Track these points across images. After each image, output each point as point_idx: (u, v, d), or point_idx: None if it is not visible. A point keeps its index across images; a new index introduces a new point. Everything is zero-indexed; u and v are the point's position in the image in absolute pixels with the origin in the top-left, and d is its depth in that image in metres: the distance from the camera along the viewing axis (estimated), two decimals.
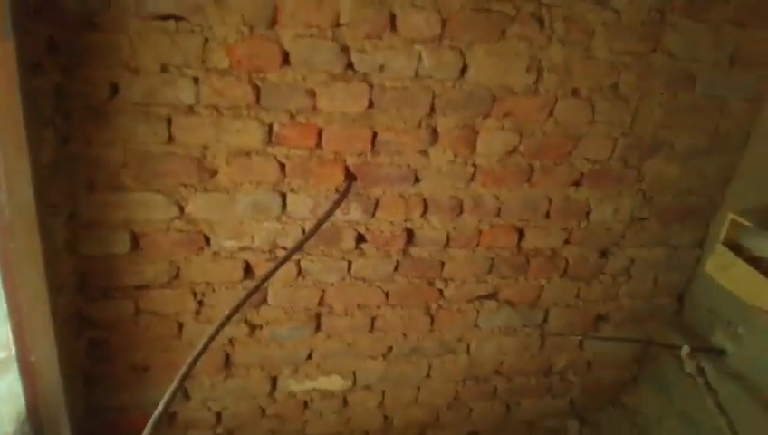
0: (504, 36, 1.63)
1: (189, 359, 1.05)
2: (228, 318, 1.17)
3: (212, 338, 1.09)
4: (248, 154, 1.62)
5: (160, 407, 0.98)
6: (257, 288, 1.29)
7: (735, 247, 1.71)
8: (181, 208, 1.65)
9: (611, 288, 2.19)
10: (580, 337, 2.24)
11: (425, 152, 1.77)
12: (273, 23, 1.47)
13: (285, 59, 1.53)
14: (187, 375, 1.02)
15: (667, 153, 1.94)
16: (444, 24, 1.58)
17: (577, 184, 1.94)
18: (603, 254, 2.11)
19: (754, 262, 1.66)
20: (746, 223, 1.62)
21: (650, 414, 2.29)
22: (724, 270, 1.72)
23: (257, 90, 1.54)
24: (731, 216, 1.68)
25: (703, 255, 2.18)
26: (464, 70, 1.66)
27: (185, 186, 1.62)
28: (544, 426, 2.42)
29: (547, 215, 1.97)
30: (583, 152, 1.87)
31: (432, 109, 1.70)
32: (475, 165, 1.83)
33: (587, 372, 2.36)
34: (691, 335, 2.21)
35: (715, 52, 1.80)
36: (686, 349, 1.55)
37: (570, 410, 2.43)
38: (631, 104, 1.81)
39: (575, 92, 1.76)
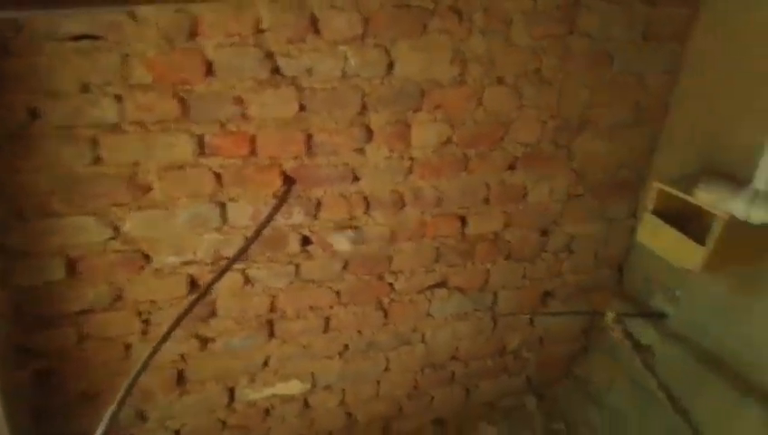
0: (426, 31, 1.66)
1: (126, 382, 1.04)
2: (164, 340, 1.17)
3: (149, 359, 1.08)
4: (181, 167, 1.61)
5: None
6: (194, 305, 1.28)
7: (664, 215, 1.81)
8: (116, 229, 1.63)
9: (555, 265, 2.28)
10: (529, 315, 2.32)
11: (361, 150, 1.79)
12: (193, 34, 1.46)
13: (210, 69, 1.52)
14: (124, 400, 1.01)
15: (593, 131, 2.02)
16: (366, 22, 1.60)
17: (512, 168, 2.00)
18: (544, 233, 2.19)
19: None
20: (671, 191, 1.71)
21: (601, 382, 2.39)
22: (654, 236, 1.81)
23: (184, 102, 1.53)
24: (656, 185, 1.77)
25: (637, 225, 2.29)
26: (390, 66, 1.69)
27: (118, 205, 1.60)
28: (503, 405, 2.50)
29: (486, 200, 2.03)
30: (515, 137, 1.94)
31: (363, 107, 1.72)
32: (411, 158, 1.86)
33: (540, 348, 2.44)
34: (633, 302, 2.32)
35: (628, 30, 1.88)
36: (610, 316, 1.63)
37: (527, 386, 2.51)
38: (555, 87, 1.88)
39: (501, 80, 1.82)
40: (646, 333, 2.16)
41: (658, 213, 1.81)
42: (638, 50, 1.92)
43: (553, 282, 2.32)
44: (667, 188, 1.73)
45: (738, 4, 1.78)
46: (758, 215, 1.40)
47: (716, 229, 1.56)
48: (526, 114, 1.91)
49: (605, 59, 1.90)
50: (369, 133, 1.77)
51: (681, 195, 1.69)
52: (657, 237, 1.78)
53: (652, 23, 1.89)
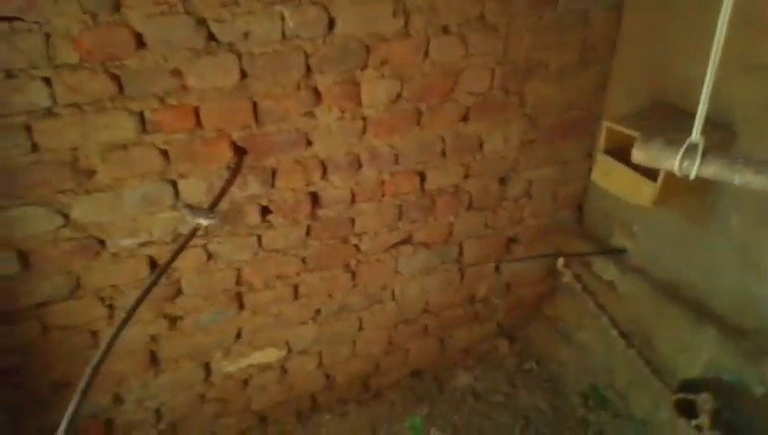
0: None
1: (88, 368, 1.01)
2: (123, 324, 1.12)
3: (109, 346, 1.04)
4: (124, 147, 1.53)
5: (63, 423, 0.94)
6: (150, 288, 1.23)
7: (617, 153, 1.80)
8: (65, 216, 1.55)
9: (516, 212, 2.27)
10: (495, 263, 2.32)
11: (311, 114, 1.73)
12: (117, 6, 1.37)
13: (140, 42, 1.43)
14: (86, 389, 0.97)
15: (542, 74, 1.99)
16: None
17: (465, 119, 1.96)
18: (502, 181, 2.17)
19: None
20: (621, 129, 1.70)
21: (570, 321, 2.44)
22: (607, 175, 1.81)
23: (117, 79, 1.44)
24: (606, 124, 1.75)
25: (592, 164, 2.29)
26: (331, 24, 1.62)
27: (63, 192, 1.52)
28: (477, 351, 2.53)
29: (443, 153, 2.00)
30: (465, 87, 1.89)
31: (308, 69, 1.65)
32: (363, 118, 1.81)
33: (507, 293, 2.46)
34: (594, 241, 2.35)
35: None
36: (560, 261, 1.63)
37: (498, 331, 2.54)
38: (501, 32, 1.84)
39: (445, 30, 1.76)
40: (607, 269, 2.19)
41: (611, 152, 1.80)
42: None
43: (516, 228, 2.32)
44: (617, 127, 1.72)
45: None
46: (694, 169, 1.39)
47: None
48: (474, 63, 1.86)
49: (544, 1, 1.85)
50: (318, 95, 1.71)
51: (630, 132, 1.68)
52: (611, 177, 1.78)
53: None
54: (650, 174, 1.67)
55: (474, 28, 1.79)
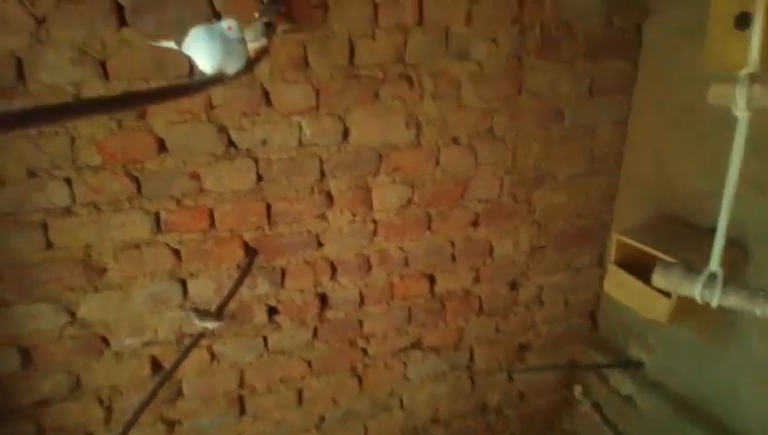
0: (379, 98, 1.64)
1: None
2: (126, 430, 1.04)
3: None
4: (137, 246, 1.52)
5: None
6: (156, 391, 1.17)
7: (628, 264, 1.74)
8: (72, 314, 1.52)
9: (527, 317, 2.19)
10: (507, 372, 2.20)
11: (323, 216, 1.72)
12: (142, 113, 1.41)
13: (162, 146, 1.46)
14: None
15: (551, 183, 1.99)
16: (318, 93, 1.57)
17: (475, 224, 1.94)
18: (513, 286, 2.11)
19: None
20: (631, 242, 1.66)
21: None
22: (620, 287, 1.74)
23: (137, 180, 1.46)
24: (616, 236, 1.72)
25: (605, 272, 2.23)
26: (346, 133, 1.65)
27: (72, 290, 1.49)
28: None
29: (453, 257, 1.96)
30: (474, 194, 1.89)
31: (322, 174, 1.67)
32: (374, 221, 1.80)
33: (521, 403, 2.31)
34: (608, 351, 2.23)
35: (574, 85, 1.88)
36: (578, 389, 1.53)
37: None
38: (509, 144, 1.86)
39: (455, 141, 1.78)
40: (624, 382, 2.06)
41: (623, 263, 1.75)
42: (586, 103, 1.92)
43: (528, 334, 2.22)
44: (627, 240, 1.68)
45: (670, 56, 1.80)
46: (716, 299, 1.35)
47: None
48: (483, 171, 1.87)
49: (555, 114, 1.89)
50: (330, 199, 1.71)
51: (641, 246, 1.64)
52: (624, 289, 1.72)
53: (596, 78, 1.90)
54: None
55: (483, 140, 1.82)
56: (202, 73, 0.96)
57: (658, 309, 1.62)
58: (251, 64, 1.21)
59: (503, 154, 1.87)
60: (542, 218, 2.03)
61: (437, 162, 1.79)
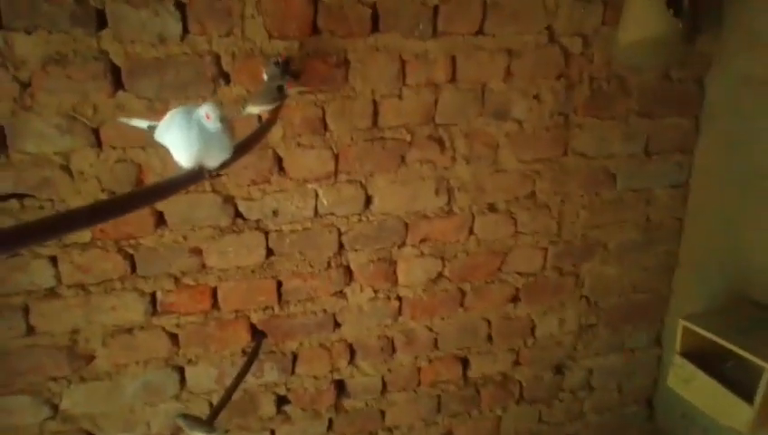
0: (405, 162, 1.49)
1: None
2: None
3: None
4: (129, 331, 1.38)
5: None
6: None
7: (696, 355, 1.52)
8: (54, 407, 1.37)
9: (574, 405, 1.95)
10: None
11: (341, 293, 1.56)
12: (137, 182, 1.28)
13: (160, 219, 1.33)
14: None
15: (601, 254, 1.79)
16: (337, 158, 1.43)
17: (515, 300, 1.75)
18: (558, 370, 1.89)
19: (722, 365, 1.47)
20: (701, 332, 1.44)
21: None
22: (687, 384, 1.52)
23: (131, 258, 1.33)
24: (683, 323, 1.50)
25: (663, 353, 1.99)
26: (368, 201, 1.50)
27: (55, 380, 1.35)
28: None
29: (489, 338, 1.76)
30: (514, 267, 1.70)
31: (340, 246, 1.51)
32: (399, 298, 1.62)
33: None
34: None
35: (627, 145, 1.70)
36: None
37: None
38: (553, 210, 1.68)
39: (492, 207, 1.61)
40: None
41: (689, 352, 1.52)
42: (641, 165, 1.73)
43: (575, 424, 1.98)
44: (696, 328, 1.46)
45: (738, 111, 1.61)
46: None
47: (764, 385, 1.27)
48: (523, 241, 1.68)
49: (606, 177, 1.70)
50: (349, 274, 1.55)
51: (713, 337, 1.42)
52: (692, 386, 1.49)
53: (653, 136, 1.71)
54: (743, 389, 1.38)
55: (523, 206, 1.64)
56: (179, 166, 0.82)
57: (737, 417, 1.39)
58: (258, 135, 1.07)
59: (546, 222, 1.68)
60: (591, 293, 1.82)
61: (471, 231, 1.62)
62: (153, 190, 0.76)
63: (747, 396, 1.35)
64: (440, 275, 1.64)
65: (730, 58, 1.63)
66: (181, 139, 0.79)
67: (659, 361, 2.00)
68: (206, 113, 0.80)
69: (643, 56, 1.56)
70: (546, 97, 1.55)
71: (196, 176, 0.81)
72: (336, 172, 1.44)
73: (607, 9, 1.52)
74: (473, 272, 1.66)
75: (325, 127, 1.39)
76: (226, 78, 1.27)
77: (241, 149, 0.93)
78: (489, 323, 1.74)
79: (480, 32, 1.43)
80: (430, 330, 1.69)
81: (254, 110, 1.17)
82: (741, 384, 1.41)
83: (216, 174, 0.86)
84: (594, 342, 1.89)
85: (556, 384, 1.90)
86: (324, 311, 1.56)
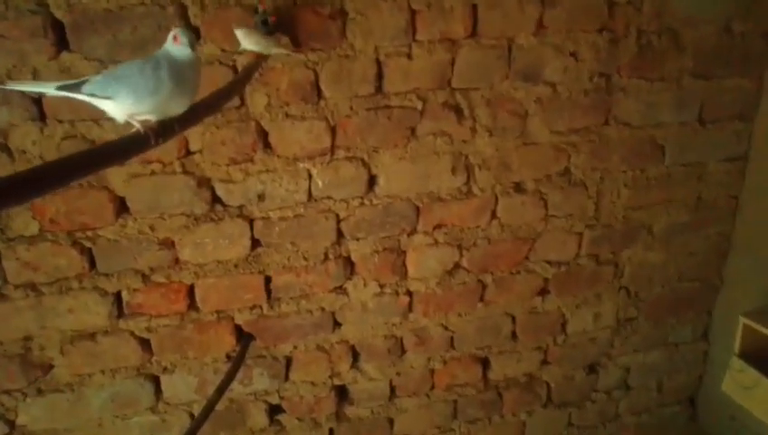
0: (415, 135, 1.29)
1: None
2: None
3: None
4: (92, 336, 1.22)
5: None
6: None
7: (755, 356, 1.35)
8: (10, 422, 1.23)
9: (609, 407, 1.80)
10: None
11: (341, 289, 1.39)
12: None
13: (122, 207, 1.16)
14: None
15: (644, 238, 1.60)
16: (333, 131, 1.24)
17: (543, 293, 1.57)
18: (592, 369, 1.73)
19: None
20: (762, 329, 1.26)
21: None
22: (747, 391, 1.35)
23: (89, 253, 1.16)
24: (744, 320, 1.32)
25: (710, 348, 1.82)
26: (371, 182, 1.32)
27: (8, 393, 1.21)
28: None
29: (513, 336, 1.60)
30: (543, 255, 1.52)
31: (339, 234, 1.34)
32: (409, 292, 1.45)
33: None
34: None
35: (679, 112, 1.49)
36: None
37: None
38: (591, 189, 1.48)
39: (518, 187, 1.42)
40: None
41: (746, 354, 1.35)
42: (695, 135, 1.52)
43: (609, 428, 1.83)
44: (758, 326, 1.28)
45: None
46: None
47: None
48: (555, 226, 1.50)
49: (653, 150, 1.50)
50: (351, 267, 1.38)
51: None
52: (753, 394, 1.33)
53: (709, 101, 1.50)
54: None
55: (555, 185, 1.45)
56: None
57: None
58: (236, 84, 0.89)
59: (582, 203, 1.49)
60: (632, 283, 1.64)
61: (494, 215, 1.44)
62: (92, 155, 0.57)
63: None
64: (457, 265, 1.46)
65: None
66: (146, 81, 0.62)
67: (705, 357, 1.83)
68: (174, 35, 0.65)
69: (700, 5, 1.34)
70: (585, 54, 1.34)
71: (148, 138, 0.62)
72: (333, 148, 1.25)
73: None
74: (495, 262, 1.49)
75: (319, 93, 1.20)
76: (196, 33, 1.08)
77: (215, 101, 0.75)
78: (513, 318, 1.57)
79: None
80: (445, 328, 1.52)
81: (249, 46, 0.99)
82: None
83: (177, 129, 0.68)
84: (633, 337, 1.72)
85: (589, 385, 1.74)
86: (322, 309, 1.39)
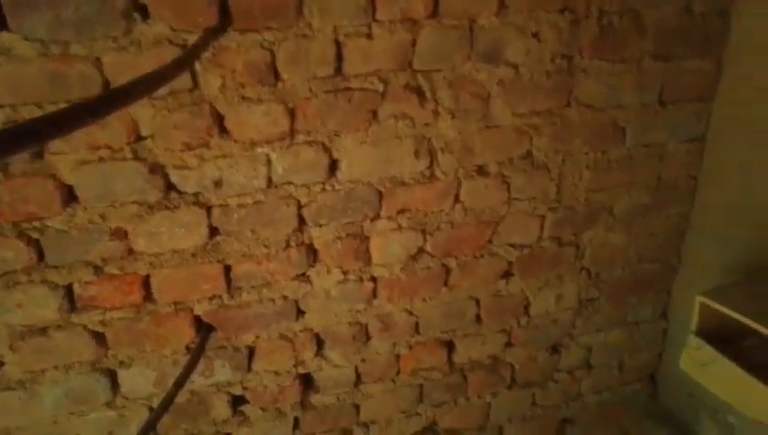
0: (377, 118, 1.27)
1: None
2: None
3: None
4: (43, 331, 1.18)
5: None
6: None
7: (711, 333, 1.39)
8: None
9: (571, 386, 1.84)
10: None
11: (303, 276, 1.38)
12: (39, 152, 1.06)
13: (70, 195, 1.11)
14: None
15: (606, 220, 1.62)
16: (293, 114, 1.21)
17: (506, 276, 1.58)
18: (554, 349, 1.76)
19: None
20: (722, 309, 1.30)
21: None
22: (703, 368, 1.39)
23: (36, 244, 1.11)
24: (700, 299, 1.35)
25: (669, 326, 1.87)
26: (333, 167, 1.30)
27: None
28: None
29: (477, 319, 1.61)
30: (506, 238, 1.53)
31: (301, 221, 1.32)
32: (373, 278, 1.45)
33: None
34: (673, 424, 1.88)
35: (640, 93, 1.51)
36: None
37: None
38: (553, 172, 1.49)
39: (481, 170, 1.42)
40: None
41: (706, 333, 1.39)
42: (656, 115, 1.55)
43: (572, 407, 1.87)
44: (715, 304, 1.32)
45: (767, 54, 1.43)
46: None
47: None
48: (518, 208, 1.51)
49: (614, 131, 1.52)
50: (313, 254, 1.36)
51: (734, 314, 1.28)
52: (708, 371, 1.36)
53: (669, 81, 1.52)
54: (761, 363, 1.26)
55: (518, 168, 1.45)
56: None
57: (758, 407, 1.27)
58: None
59: (544, 185, 1.50)
60: (593, 264, 1.67)
61: (457, 199, 1.44)
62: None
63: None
64: (421, 250, 1.46)
65: None
66: None
67: (664, 335, 1.89)
68: None
69: None
70: (547, 35, 1.34)
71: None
72: (292, 132, 1.22)
73: None
74: (459, 245, 1.49)
75: (276, 75, 1.17)
76: (143, 12, 1.03)
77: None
78: (477, 302, 1.59)
79: None
80: (410, 313, 1.52)
81: None
82: (763, 367, 1.28)
83: None
84: (595, 317, 1.75)
85: (551, 365, 1.78)
86: (284, 298, 1.37)
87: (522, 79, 1.36)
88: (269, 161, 1.23)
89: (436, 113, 1.31)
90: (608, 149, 1.53)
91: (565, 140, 1.47)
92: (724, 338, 1.39)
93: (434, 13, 1.22)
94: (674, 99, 1.55)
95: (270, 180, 1.25)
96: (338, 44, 1.19)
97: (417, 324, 1.55)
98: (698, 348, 1.39)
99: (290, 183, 1.27)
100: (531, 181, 1.49)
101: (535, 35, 1.33)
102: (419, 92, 1.28)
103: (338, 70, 1.20)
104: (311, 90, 1.20)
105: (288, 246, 1.33)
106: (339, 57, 1.20)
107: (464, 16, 1.25)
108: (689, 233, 1.75)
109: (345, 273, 1.41)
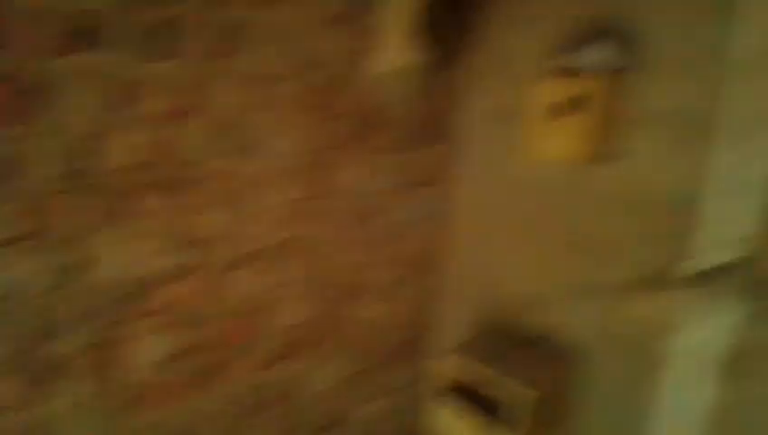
0: (124, 215, 1.21)
1: None
2: None
3: None
4: None
5: None
6: None
7: (458, 388, 1.58)
8: None
9: None
10: None
11: (42, 397, 1.18)
12: None
13: None
14: None
15: (364, 296, 1.76)
16: (34, 214, 1.08)
17: (269, 367, 1.59)
18: (324, 429, 1.80)
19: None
20: (460, 361, 1.50)
21: None
22: (456, 422, 1.57)
23: None
24: (440, 359, 1.56)
25: (425, 386, 2.06)
26: (79, 268, 1.17)
27: None
28: None
29: (256, 407, 1.56)
30: (274, 323, 1.55)
31: (45, 334, 1.15)
32: (127, 387, 1.32)
33: None
34: None
35: (388, 178, 1.71)
36: None
37: None
38: (313, 256, 1.58)
39: (240, 261, 1.44)
40: None
41: (451, 387, 1.59)
42: (403, 198, 1.76)
43: None
44: (455, 358, 1.53)
45: (488, 140, 1.76)
46: None
47: (522, 411, 1.38)
48: (283, 294, 1.55)
49: (369, 214, 1.69)
50: (55, 369, 1.19)
51: (472, 365, 1.50)
52: (453, 424, 1.54)
53: (412, 168, 1.75)
54: (505, 414, 1.48)
55: (278, 255, 1.51)
56: None
57: None
58: None
59: (304, 270, 1.58)
60: (353, 339, 1.79)
61: (221, 290, 1.42)
62: None
63: (511, 422, 1.44)
64: (184, 349, 1.39)
65: (479, 88, 1.77)
66: None
67: (422, 397, 2.07)
68: None
69: (392, 88, 1.61)
70: (304, 132, 1.46)
71: None
72: (35, 233, 1.09)
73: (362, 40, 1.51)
74: (228, 338, 1.46)
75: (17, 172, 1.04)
76: None
77: None
78: (238, 398, 1.55)
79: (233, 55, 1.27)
80: (168, 421, 1.42)
81: None
82: (503, 409, 1.50)
83: None
84: (359, 389, 1.85)
85: None
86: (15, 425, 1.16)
87: (284, 169, 1.43)
88: (8, 265, 1.07)
89: (197, 205, 1.30)
90: (360, 232, 1.68)
91: (324, 225, 1.58)
92: (469, 391, 1.58)
93: (194, 109, 1.24)
94: (418, 182, 1.78)
95: (8, 288, 1.08)
96: (86, 140, 1.11)
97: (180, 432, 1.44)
98: (447, 403, 1.57)
99: (29, 289, 1.11)
100: (290, 266, 1.55)
101: (295, 129, 1.43)
102: (179, 185, 1.26)
103: (85, 166, 1.12)
104: (54, 187, 1.09)
105: (23, 366, 1.14)
106: (88, 152, 1.12)
107: (225, 112, 1.29)
108: (440, 301, 1.99)
109: (97, 385, 1.26)
